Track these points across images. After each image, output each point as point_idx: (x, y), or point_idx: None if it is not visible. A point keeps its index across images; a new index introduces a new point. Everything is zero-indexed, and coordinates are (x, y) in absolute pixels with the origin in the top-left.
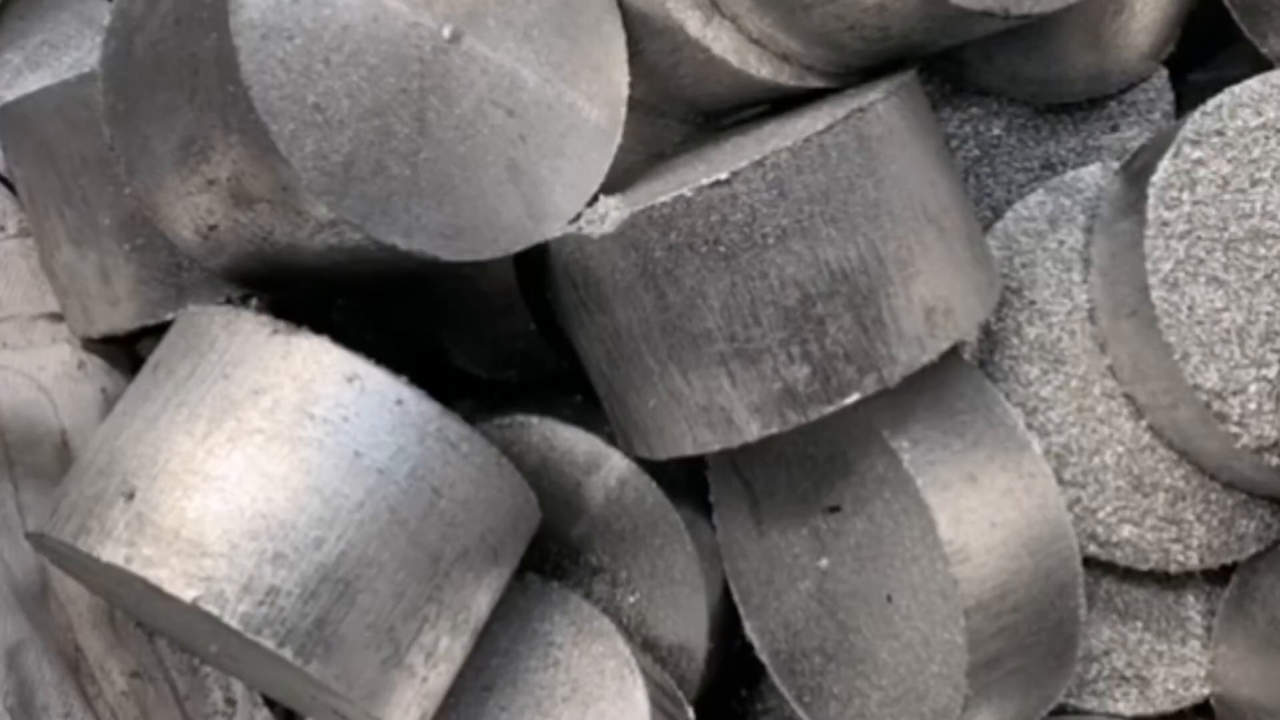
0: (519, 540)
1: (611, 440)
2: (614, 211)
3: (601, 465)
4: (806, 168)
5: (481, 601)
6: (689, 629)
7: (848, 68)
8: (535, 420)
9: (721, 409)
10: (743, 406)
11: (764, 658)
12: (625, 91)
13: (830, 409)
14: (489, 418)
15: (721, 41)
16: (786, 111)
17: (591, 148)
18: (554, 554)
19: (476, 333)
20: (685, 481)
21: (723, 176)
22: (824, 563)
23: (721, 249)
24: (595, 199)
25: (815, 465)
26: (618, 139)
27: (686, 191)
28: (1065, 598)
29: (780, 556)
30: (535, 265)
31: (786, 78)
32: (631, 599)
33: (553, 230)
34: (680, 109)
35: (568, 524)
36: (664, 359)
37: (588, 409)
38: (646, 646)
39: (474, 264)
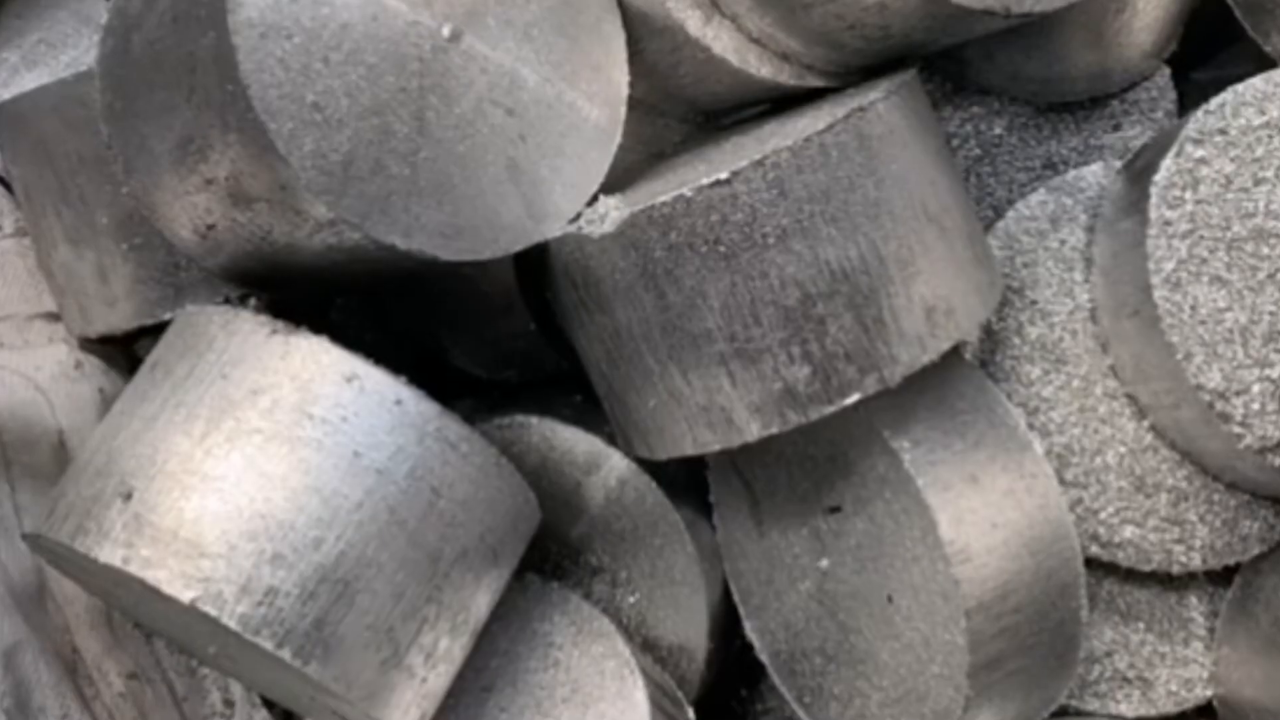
0: (519, 540)
1: (611, 440)
2: (614, 211)
3: (601, 465)
4: (807, 167)
5: (481, 602)
6: (689, 629)
7: (848, 67)
8: (535, 420)
9: (721, 409)
10: (743, 406)
11: (764, 658)
12: (625, 91)
13: (831, 409)
14: (489, 418)
15: (721, 41)
16: (787, 111)
17: (591, 147)
18: (554, 554)
19: (476, 332)
20: (685, 482)
21: (723, 176)
22: (824, 563)
23: (721, 249)
24: (595, 199)
25: (816, 465)
26: (618, 139)
27: (686, 191)
28: (1067, 598)
29: (780, 557)
30: (535, 265)
31: (787, 77)
32: (631, 599)
33: (552, 230)
34: (680, 108)
35: (567, 524)
36: (664, 359)
37: (588, 409)
38: (646, 647)
39: (473, 264)
